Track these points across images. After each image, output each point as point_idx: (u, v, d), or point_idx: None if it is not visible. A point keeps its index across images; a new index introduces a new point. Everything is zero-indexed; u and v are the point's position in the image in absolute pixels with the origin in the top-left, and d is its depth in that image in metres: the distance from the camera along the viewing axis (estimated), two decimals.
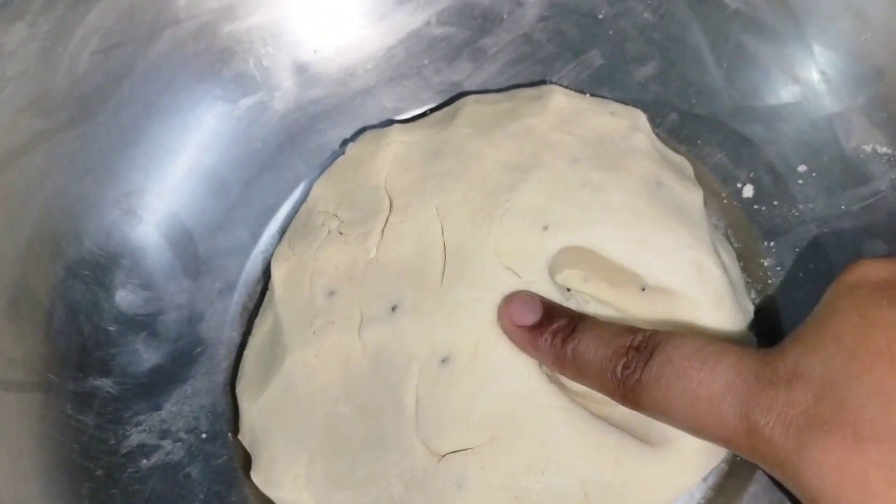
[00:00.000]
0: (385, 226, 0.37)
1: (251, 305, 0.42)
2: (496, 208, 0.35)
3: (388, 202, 0.38)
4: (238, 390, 0.38)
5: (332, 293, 0.36)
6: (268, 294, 0.40)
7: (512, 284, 0.34)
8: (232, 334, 0.42)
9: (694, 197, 0.37)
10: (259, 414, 0.36)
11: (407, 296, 0.35)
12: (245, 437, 0.37)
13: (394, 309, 0.35)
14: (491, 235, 0.35)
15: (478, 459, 0.32)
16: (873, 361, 0.25)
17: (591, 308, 0.35)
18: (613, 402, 0.32)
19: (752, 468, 0.36)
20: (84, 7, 0.39)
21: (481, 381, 0.33)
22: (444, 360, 0.33)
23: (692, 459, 0.33)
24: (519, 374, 0.33)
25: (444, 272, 0.35)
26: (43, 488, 0.36)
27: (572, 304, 0.34)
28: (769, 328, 0.38)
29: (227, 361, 0.41)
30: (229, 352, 0.41)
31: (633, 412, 0.33)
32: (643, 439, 0.33)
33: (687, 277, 0.34)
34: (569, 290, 0.35)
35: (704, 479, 0.36)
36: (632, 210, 0.35)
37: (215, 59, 0.43)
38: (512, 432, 0.32)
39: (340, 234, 0.38)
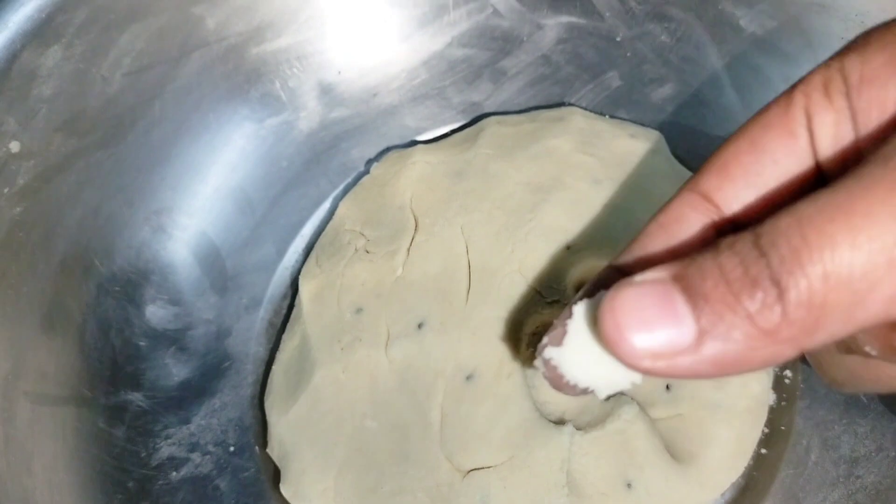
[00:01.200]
0: (411, 244, 0.38)
1: (277, 321, 0.43)
2: (520, 228, 0.36)
3: (413, 221, 0.39)
4: (267, 404, 0.39)
5: (359, 310, 0.37)
6: (295, 310, 0.40)
7: (535, 303, 0.35)
8: (258, 349, 0.43)
9: None
10: (288, 427, 0.37)
11: (433, 313, 0.36)
12: (274, 451, 0.38)
13: (420, 326, 0.36)
14: (515, 254, 0.36)
15: (500, 478, 0.33)
16: None
17: None
18: (635, 417, 0.33)
19: (768, 482, 0.37)
20: (117, 30, 0.40)
21: (503, 399, 0.33)
22: (468, 377, 0.34)
23: (713, 476, 0.34)
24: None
25: (469, 290, 0.36)
26: (77, 500, 0.37)
27: None
28: None
29: (253, 376, 0.42)
30: (256, 366, 0.42)
31: (657, 426, 0.34)
32: (668, 451, 0.34)
33: None
34: None
35: (722, 494, 0.37)
36: None
37: (243, 80, 0.44)
38: (528, 453, 0.33)
39: (367, 252, 0.39)
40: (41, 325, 0.38)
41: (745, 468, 0.37)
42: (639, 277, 0.20)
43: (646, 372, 0.20)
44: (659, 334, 0.19)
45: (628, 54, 0.45)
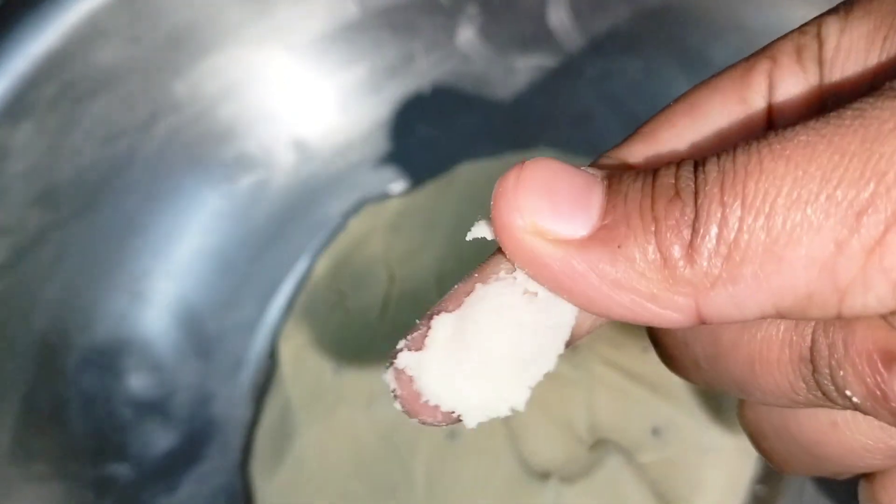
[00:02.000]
0: (386, 297, 0.38)
1: (261, 381, 0.43)
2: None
3: (388, 274, 0.38)
4: (253, 470, 0.39)
5: (339, 369, 0.37)
6: (277, 373, 0.40)
7: None
8: (244, 412, 0.42)
9: None
10: (274, 493, 0.37)
11: None
12: None
13: None
14: None
15: None
16: None
17: (599, 372, 0.35)
18: (621, 465, 0.33)
19: None
20: (87, 102, 0.40)
21: (487, 455, 0.33)
22: (451, 434, 0.34)
23: None
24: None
25: None
26: None
27: (580, 372, 0.34)
28: None
29: (240, 440, 0.41)
30: (242, 430, 0.42)
31: (645, 471, 0.34)
32: (658, 498, 0.33)
33: None
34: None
35: None
36: None
37: (216, 140, 0.45)
38: None
39: (345, 308, 0.38)
40: (24, 402, 0.38)
41: None
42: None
43: (515, 247, 0.16)
44: (556, 214, 0.15)
45: (601, 91, 0.45)
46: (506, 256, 0.17)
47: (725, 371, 0.18)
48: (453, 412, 0.17)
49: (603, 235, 0.15)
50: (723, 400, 0.35)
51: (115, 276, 0.42)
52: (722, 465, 0.34)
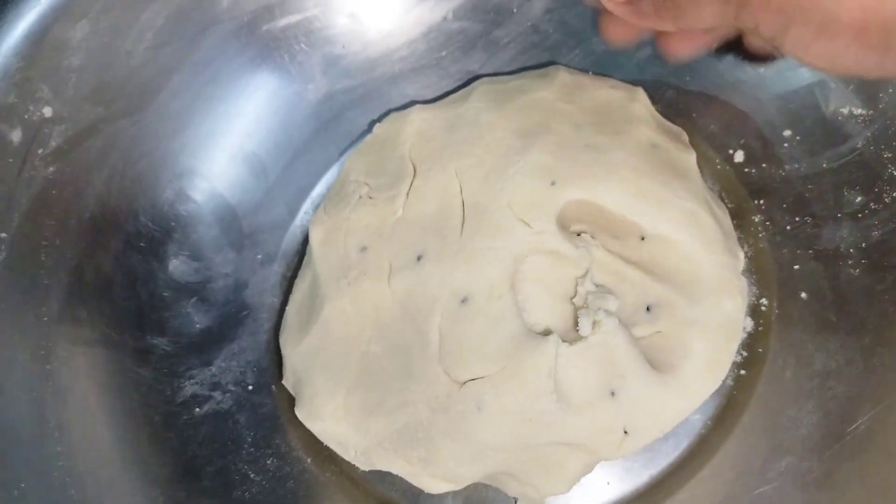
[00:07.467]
0: (410, 188, 0.41)
1: (289, 274, 0.46)
2: (508, 168, 0.39)
3: (412, 168, 0.42)
4: (281, 340, 0.42)
5: (363, 249, 0.40)
6: (306, 256, 0.44)
7: (523, 233, 0.38)
8: (273, 300, 0.46)
9: (687, 157, 0.41)
10: (301, 358, 0.40)
11: (430, 247, 0.39)
12: (289, 381, 0.41)
13: (419, 259, 0.39)
14: (504, 192, 0.39)
15: (492, 386, 0.36)
16: None
17: (598, 255, 0.38)
18: (615, 329, 0.36)
19: (747, 399, 0.40)
20: (138, 8, 0.44)
21: (495, 318, 0.36)
22: (463, 301, 0.37)
23: (692, 385, 0.37)
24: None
25: (462, 225, 0.39)
26: (108, 430, 0.40)
27: (581, 251, 0.38)
28: (761, 277, 0.42)
29: (269, 323, 0.45)
30: (271, 315, 0.46)
31: (637, 338, 0.37)
32: (649, 362, 0.37)
33: (682, 225, 0.38)
34: (579, 234, 0.39)
35: (704, 412, 0.40)
36: (630, 167, 0.39)
37: (255, 54, 0.48)
38: (517, 363, 0.36)
39: (370, 198, 0.42)
40: (73, 276, 0.42)
41: (726, 388, 0.40)
42: None
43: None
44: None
45: None
46: None
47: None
48: None
49: None
50: (706, 283, 0.38)
51: (160, 172, 0.46)
52: (707, 338, 0.37)
